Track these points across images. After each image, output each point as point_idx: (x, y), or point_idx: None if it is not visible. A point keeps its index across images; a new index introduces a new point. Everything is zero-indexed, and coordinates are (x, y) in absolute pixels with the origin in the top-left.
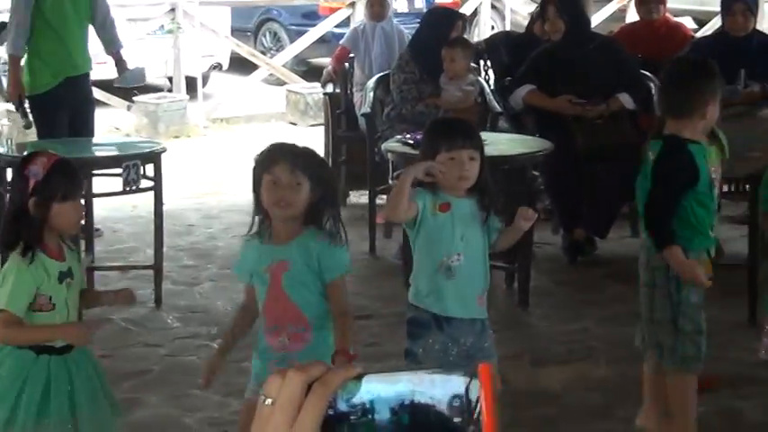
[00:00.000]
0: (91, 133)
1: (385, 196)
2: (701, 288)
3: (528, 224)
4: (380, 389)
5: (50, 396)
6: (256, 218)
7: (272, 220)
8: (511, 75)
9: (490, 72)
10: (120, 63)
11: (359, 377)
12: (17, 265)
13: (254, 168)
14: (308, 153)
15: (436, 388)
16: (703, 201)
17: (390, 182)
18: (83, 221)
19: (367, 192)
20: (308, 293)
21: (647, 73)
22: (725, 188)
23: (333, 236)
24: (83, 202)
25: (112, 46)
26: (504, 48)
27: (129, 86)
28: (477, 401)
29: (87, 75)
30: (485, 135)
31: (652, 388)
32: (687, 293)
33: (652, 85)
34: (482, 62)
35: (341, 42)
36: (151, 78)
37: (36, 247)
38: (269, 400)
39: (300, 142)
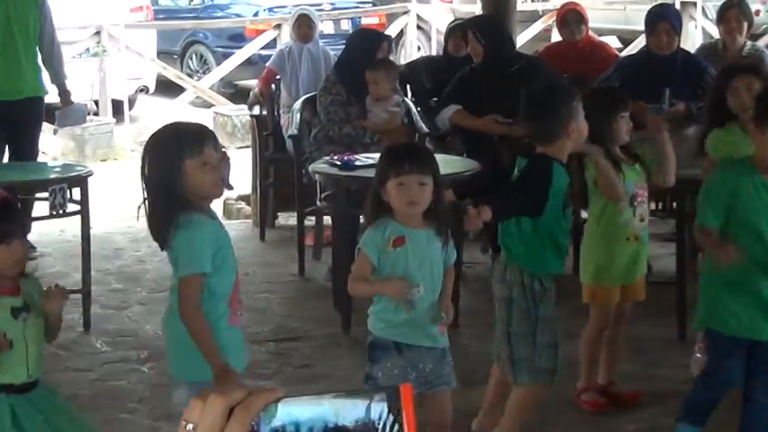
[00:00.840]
0: (32, 156)
1: (313, 218)
2: (551, 303)
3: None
4: (303, 412)
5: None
6: None
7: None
8: (434, 98)
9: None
10: (63, 95)
11: (279, 401)
12: None
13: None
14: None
15: (358, 411)
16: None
17: (318, 203)
18: (27, 260)
19: (295, 213)
20: None
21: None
22: (652, 206)
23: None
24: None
25: (58, 77)
26: (426, 71)
27: (68, 126)
28: (397, 423)
29: (32, 99)
30: None
31: (497, 395)
32: (544, 309)
33: None
34: (406, 85)
35: (267, 64)
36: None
37: None
38: (190, 426)
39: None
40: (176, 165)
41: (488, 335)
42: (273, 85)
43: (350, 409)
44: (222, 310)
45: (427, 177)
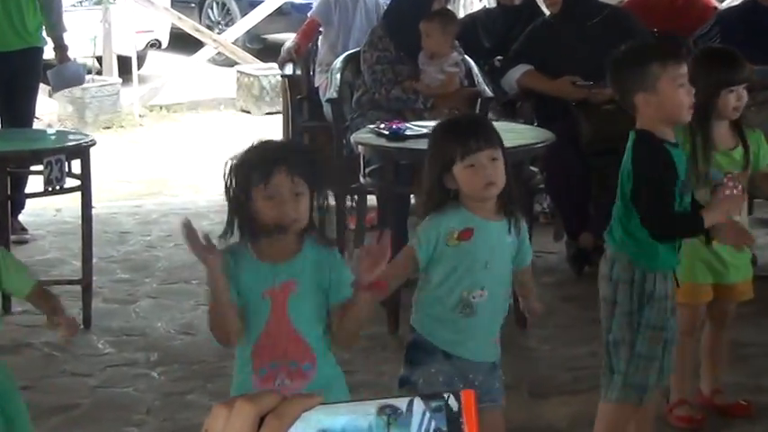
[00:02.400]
0: (26, 118)
1: (355, 197)
2: (661, 308)
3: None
4: (346, 421)
5: None
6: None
7: (265, 237)
8: (496, 57)
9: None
10: (60, 50)
11: (319, 407)
12: None
13: (239, 176)
14: (303, 150)
15: (413, 420)
16: None
17: (361, 180)
18: None
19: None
20: (315, 320)
21: None
22: None
23: (329, 241)
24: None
25: (56, 29)
26: (482, 28)
27: (62, 88)
28: None
29: (31, 51)
30: None
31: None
32: (649, 313)
33: None
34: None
35: (310, 14)
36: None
37: None
38: None
39: (255, 133)
40: (243, 191)
41: (561, 337)
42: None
43: (402, 420)
44: (248, 363)
45: (497, 151)
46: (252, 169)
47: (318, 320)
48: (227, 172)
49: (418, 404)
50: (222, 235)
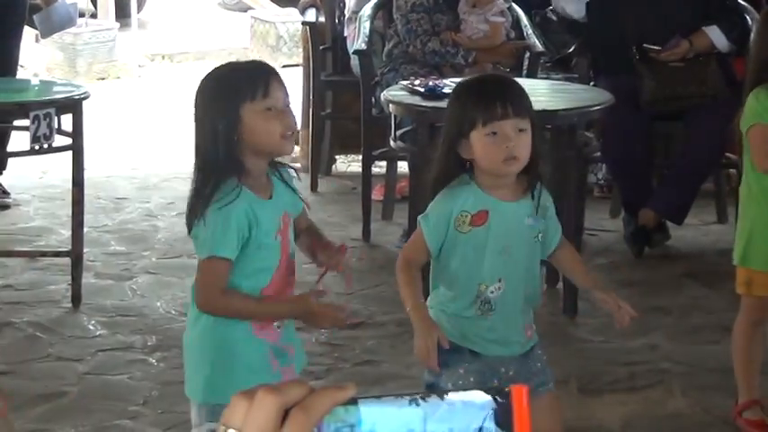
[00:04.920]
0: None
1: (384, 163)
2: None
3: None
4: (380, 417)
5: None
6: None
7: (251, 167)
8: (547, 7)
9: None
10: None
11: (352, 401)
12: None
13: (222, 97)
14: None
15: (456, 417)
16: None
17: (392, 144)
18: None
19: (360, 157)
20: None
21: (745, 3)
22: None
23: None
24: None
25: None
26: None
27: (52, 32)
28: None
29: None
30: (521, 83)
31: None
32: None
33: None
34: None
35: None
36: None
37: None
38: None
39: None
40: (231, 111)
41: (616, 328)
42: None
43: (444, 416)
44: None
45: (525, 121)
46: (244, 83)
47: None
48: (203, 100)
49: (460, 399)
50: (199, 187)
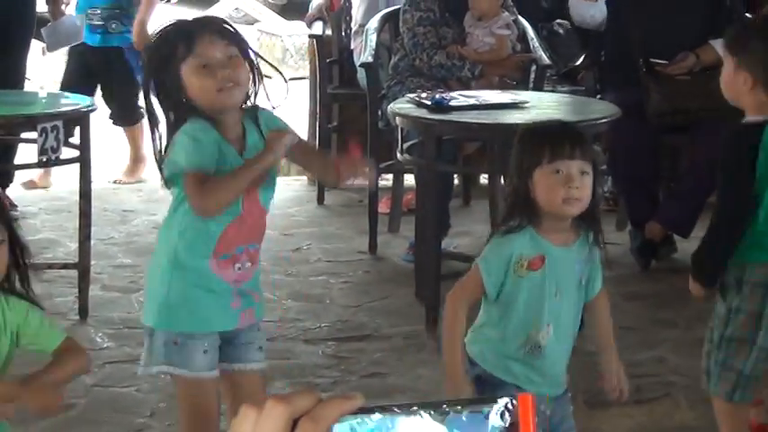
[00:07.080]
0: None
1: (390, 176)
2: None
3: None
4: (392, 427)
5: None
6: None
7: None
8: (555, 20)
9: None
10: (53, 3)
11: (363, 411)
12: None
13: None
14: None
15: (463, 423)
16: None
17: (398, 156)
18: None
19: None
20: (271, 192)
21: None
22: None
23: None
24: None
25: None
26: None
27: (59, 47)
28: None
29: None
30: (527, 95)
31: None
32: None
33: None
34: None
35: None
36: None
37: None
38: None
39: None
40: (171, 72)
41: (623, 340)
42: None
43: (459, 426)
44: (206, 248)
45: (589, 165)
46: (178, 43)
47: (272, 191)
48: (152, 65)
49: (468, 407)
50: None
